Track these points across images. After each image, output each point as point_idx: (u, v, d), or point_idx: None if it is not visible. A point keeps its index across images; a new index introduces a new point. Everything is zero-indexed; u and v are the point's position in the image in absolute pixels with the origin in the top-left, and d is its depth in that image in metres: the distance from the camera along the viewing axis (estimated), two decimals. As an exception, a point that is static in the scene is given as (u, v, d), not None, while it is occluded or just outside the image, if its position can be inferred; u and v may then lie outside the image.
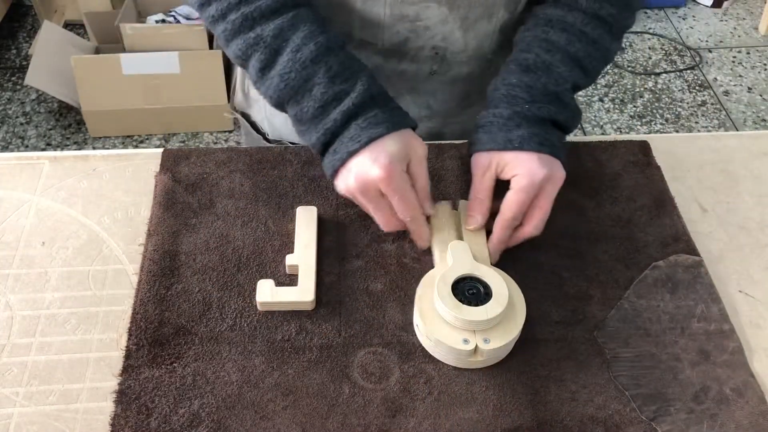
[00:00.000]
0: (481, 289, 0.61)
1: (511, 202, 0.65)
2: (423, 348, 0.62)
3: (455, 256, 0.63)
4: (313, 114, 0.63)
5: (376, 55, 0.79)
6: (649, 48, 2.68)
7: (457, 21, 0.74)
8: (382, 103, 0.64)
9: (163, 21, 2.24)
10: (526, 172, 0.64)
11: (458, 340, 0.59)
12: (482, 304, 0.59)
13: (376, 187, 0.62)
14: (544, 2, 0.73)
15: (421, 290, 0.63)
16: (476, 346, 0.59)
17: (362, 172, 0.62)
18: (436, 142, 0.82)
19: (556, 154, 0.67)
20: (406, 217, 0.64)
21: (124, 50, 2.10)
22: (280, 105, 0.65)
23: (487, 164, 0.67)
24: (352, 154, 0.62)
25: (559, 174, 0.66)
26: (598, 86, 2.50)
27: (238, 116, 0.94)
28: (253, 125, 0.91)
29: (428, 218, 0.68)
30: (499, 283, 0.61)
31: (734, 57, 2.63)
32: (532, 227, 0.66)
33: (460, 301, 0.60)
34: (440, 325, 0.60)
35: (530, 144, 0.65)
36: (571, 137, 0.75)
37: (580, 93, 2.42)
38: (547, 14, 0.71)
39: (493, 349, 0.59)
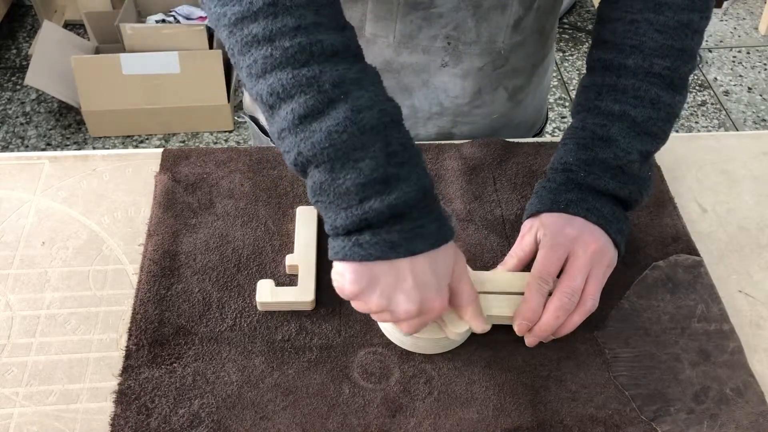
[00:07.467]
0: None
1: (535, 262, 0.62)
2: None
3: None
4: (348, 189, 0.51)
5: (387, 49, 0.78)
6: (649, 48, 2.68)
7: (470, 9, 0.74)
8: (431, 205, 0.55)
9: (163, 21, 2.25)
10: (551, 231, 0.63)
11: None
12: None
13: (416, 312, 0.55)
14: (592, 71, 0.69)
15: None
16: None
17: (421, 288, 0.54)
18: (436, 142, 0.82)
19: (606, 227, 0.63)
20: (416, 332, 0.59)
21: (124, 50, 2.11)
22: (305, 164, 0.53)
23: (529, 227, 0.65)
24: (381, 258, 0.53)
25: (599, 246, 0.61)
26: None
27: (247, 119, 0.94)
28: (262, 128, 0.92)
29: None
30: None
31: (734, 57, 2.63)
32: (577, 314, 0.60)
33: None
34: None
35: (576, 208, 0.63)
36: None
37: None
38: (596, 84, 0.67)
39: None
